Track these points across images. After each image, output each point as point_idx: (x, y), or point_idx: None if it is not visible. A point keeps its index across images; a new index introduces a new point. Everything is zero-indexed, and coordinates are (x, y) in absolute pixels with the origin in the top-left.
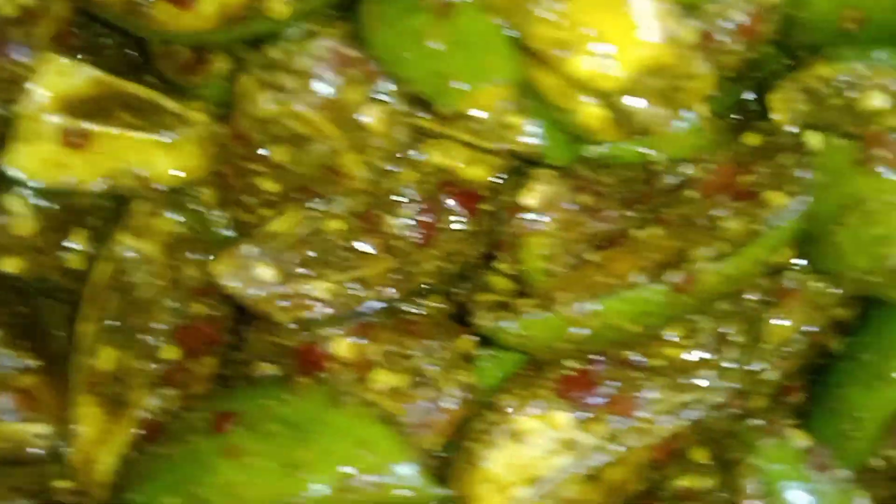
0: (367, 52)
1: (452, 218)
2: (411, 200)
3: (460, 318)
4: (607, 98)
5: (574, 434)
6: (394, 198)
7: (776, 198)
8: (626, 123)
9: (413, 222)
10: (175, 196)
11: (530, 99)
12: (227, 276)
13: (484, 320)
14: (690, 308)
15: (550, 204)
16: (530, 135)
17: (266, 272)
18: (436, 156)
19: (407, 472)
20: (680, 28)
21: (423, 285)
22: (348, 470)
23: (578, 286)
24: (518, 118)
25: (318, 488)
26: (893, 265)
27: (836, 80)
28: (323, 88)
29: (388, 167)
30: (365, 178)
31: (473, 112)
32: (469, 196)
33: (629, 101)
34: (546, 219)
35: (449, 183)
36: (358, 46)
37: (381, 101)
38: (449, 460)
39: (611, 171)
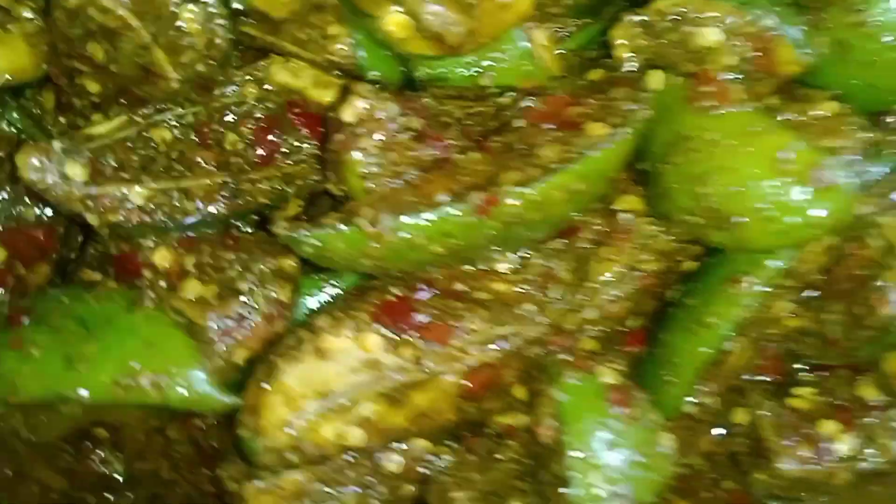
0: None
1: (294, 139)
2: (253, 117)
3: None
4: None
5: (381, 356)
6: (233, 113)
7: (596, 129)
8: (422, 30)
9: (252, 139)
10: (10, 98)
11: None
12: (31, 170)
13: (280, 229)
14: (499, 233)
15: (373, 122)
16: (349, 46)
17: (76, 170)
18: (282, 75)
19: (193, 377)
20: None
21: (257, 204)
22: (130, 367)
23: (386, 204)
24: (339, 29)
25: (96, 381)
26: (711, 204)
27: (673, 13)
28: None
29: (216, 75)
30: (179, 79)
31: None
32: (314, 118)
33: (423, 4)
34: (368, 137)
35: (295, 103)
36: None
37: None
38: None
39: (457, 101)
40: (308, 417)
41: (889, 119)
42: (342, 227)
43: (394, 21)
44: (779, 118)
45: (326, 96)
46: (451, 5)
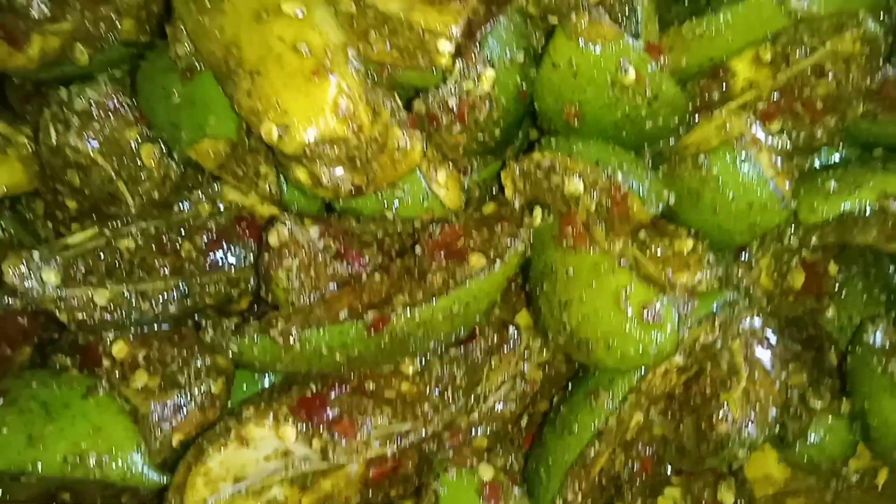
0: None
1: (241, 248)
2: (206, 229)
3: None
4: (298, 161)
5: (293, 445)
6: (190, 226)
7: (476, 260)
8: (318, 183)
9: (205, 248)
10: (6, 208)
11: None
12: (13, 275)
13: (207, 337)
14: (393, 346)
15: (295, 245)
16: (275, 183)
17: (50, 276)
18: (233, 194)
19: (132, 458)
20: (363, 108)
21: (205, 304)
22: (79, 447)
23: (297, 318)
24: (267, 168)
25: (49, 458)
26: (570, 328)
27: (544, 165)
28: (97, 127)
29: (174, 198)
30: (138, 204)
31: (195, 158)
32: (258, 228)
33: (315, 165)
34: (290, 258)
35: (243, 218)
36: (132, 94)
37: (153, 141)
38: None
39: (378, 222)
40: (224, 498)
41: (745, 255)
42: (259, 336)
43: (300, 172)
44: (623, 262)
45: (270, 210)
46: (346, 165)
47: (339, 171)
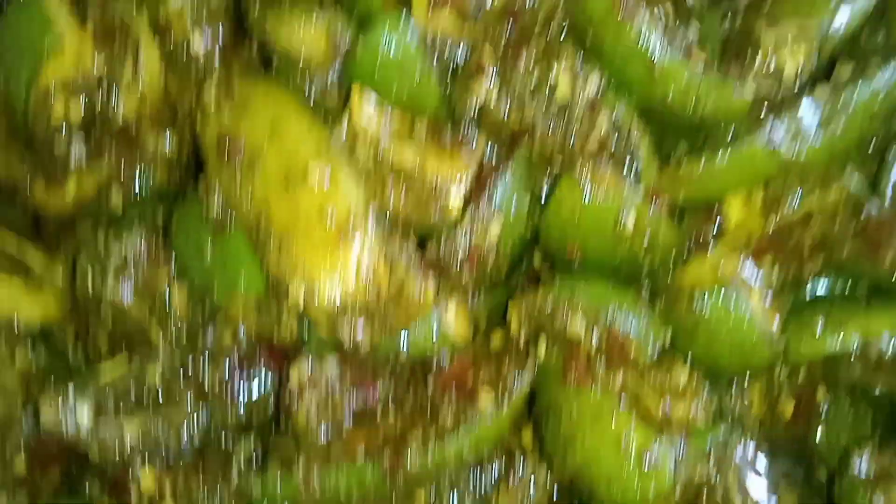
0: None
1: (262, 374)
2: (229, 357)
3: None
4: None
5: None
6: (213, 354)
7: (486, 399)
8: (339, 338)
9: (227, 377)
10: (39, 339)
11: None
12: (50, 418)
13: (232, 480)
14: (407, 484)
15: (315, 384)
16: (296, 328)
17: (83, 416)
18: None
19: None
20: (383, 267)
21: (227, 432)
22: None
23: (318, 458)
24: (288, 314)
25: None
26: (574, 465)
27: (548, 303)
28: (132, 276)
29: (199, 331)
30: (168, 342)
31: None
32: (280, 355)
33: (338, 324)
34: (311, 396)
35: (262, 342)
36: (165, 240)
37: (181, 280)
38: None
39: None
40: None
41: (737, 384)
42: (282, 477)
43: (323, 328)
44: (623, 399)
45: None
46: (365, 320)
47: (360, 326)
